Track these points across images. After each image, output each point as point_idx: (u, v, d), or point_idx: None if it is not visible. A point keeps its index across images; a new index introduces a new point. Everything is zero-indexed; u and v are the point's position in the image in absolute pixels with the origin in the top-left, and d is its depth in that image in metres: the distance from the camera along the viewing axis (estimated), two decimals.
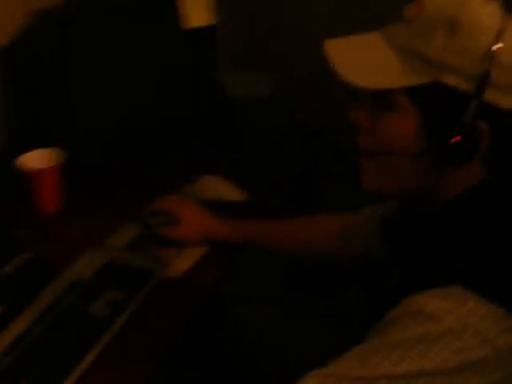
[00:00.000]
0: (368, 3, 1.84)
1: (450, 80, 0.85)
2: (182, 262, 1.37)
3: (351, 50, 0.93)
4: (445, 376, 0.77)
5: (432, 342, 0.78)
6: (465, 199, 0.91)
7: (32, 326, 1.15)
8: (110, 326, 1.17)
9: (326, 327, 1.42)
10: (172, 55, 1.70)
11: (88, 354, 1.10)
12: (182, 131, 1.77)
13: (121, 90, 1.65)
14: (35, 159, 1.49)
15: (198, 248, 1.43)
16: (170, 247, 1.40)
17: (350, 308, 1.48)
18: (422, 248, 0.92)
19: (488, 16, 0.85)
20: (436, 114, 0.87)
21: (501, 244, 0.85)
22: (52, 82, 1.57)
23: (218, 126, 1.84)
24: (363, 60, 0.92)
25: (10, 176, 1.47)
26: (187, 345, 1.37)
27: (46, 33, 1.54)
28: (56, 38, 1.51)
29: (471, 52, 0.84)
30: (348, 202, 1.36)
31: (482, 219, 0.87)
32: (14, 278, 1.27)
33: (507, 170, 0.91)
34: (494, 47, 0.83)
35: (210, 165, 1.72)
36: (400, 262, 0.97)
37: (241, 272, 1.57)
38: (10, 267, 1.30)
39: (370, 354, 0.82)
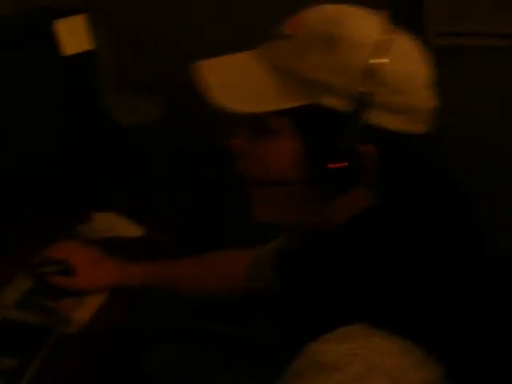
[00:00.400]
0: (256, 26, 1.79)
1: (328, 101, 0.77)
2: (82, 314, 1.27)
3: (224, 72, 0.85)
4: None
5: None
6: (350, 228, 0.83)
7: None
8: None
9: (236, 364, 1.37)
10: (52, 84, 1.58)
11: None
12: (69, 165, 1.66)
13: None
14: None
15: (96, 296, 1.33)
16: (66, 299, 1.29)
17: (260, 339, 1.43)
18: (316, 282, 0.84)
19: (367, 31, 0.78)
20: (316, 139, 0.79)
21: (394, 273, 0.77)
22: None
23: (106, 154, 1.73)
24: (237, 82, 0.84)
25: None
26: None
27: None
28: None
29: (349, 70, 0.77)
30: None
31: (371, 248, 0.80)
32: None
33: (396, 194, 0.83)
34: (373, 63, 0.76)
35: (101, 200, 1.63)
36: (295, 298, 0.91)
37: (147, 306, 1.50)
38: None
39: None
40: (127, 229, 1.55)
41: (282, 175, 0.82)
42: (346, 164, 0.78)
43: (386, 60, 0.76)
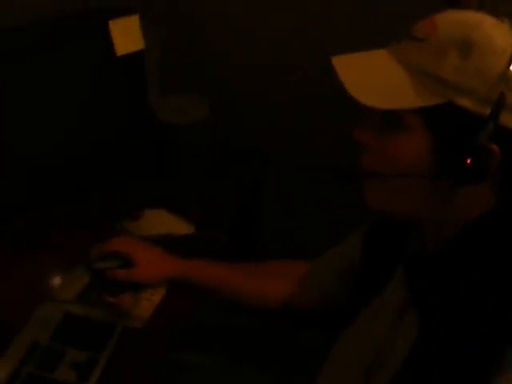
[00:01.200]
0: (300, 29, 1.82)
1: (465, 102, 0.81)
2: (143, 309, 1.29)
3: (361, 68, 0.89)
4: None
5: None
6: (487, 222, 0.87)
7: None
8: None
9: None
10: (103, 84, 1.60)
11: None
12: (117, 162, 1.67)
13: (51, 124, 1.54)
14: None
15: (155, 291, 1.35)
16: (125, 293, 1.31)
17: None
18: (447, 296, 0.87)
19: (502, 38, 0.83)
20: (448, 135, 0.83)
21: None
22: None
23: (153, 152, 1.74)
24: (374, 79, 0.88)
25: None
26: None
27: None
28: None
29: (486, 74, 0.81)
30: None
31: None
32: None
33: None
34: (510, 69, 0.80)
35: (149, 197, 1.64)
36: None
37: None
38: None
39: None
40: (178, 226, 1.56)
41: (407, 168, 0.86)
42: (476, 161, 0.81)
43: None
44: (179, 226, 1.57)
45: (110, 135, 1.67)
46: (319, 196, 1.92)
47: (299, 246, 1.64)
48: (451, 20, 0.85)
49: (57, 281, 1.38)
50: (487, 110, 0.81)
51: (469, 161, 0.81)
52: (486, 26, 0.83)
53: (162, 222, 1.57)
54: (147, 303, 1.31)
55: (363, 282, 1.12)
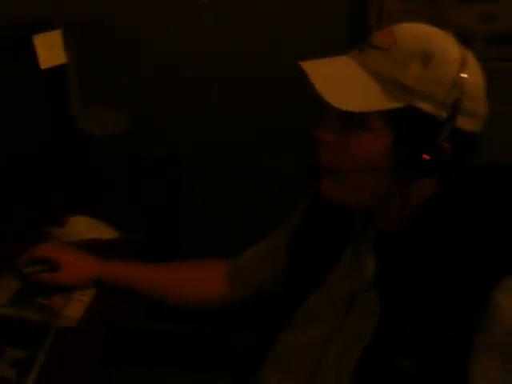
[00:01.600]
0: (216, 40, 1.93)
1: (425, 106, 0.92)
2: (74, 309, 1.36)
3: (331, 74, 0.96)
4: None
5: None
6: (433, 206, 1.00)
7: None
8: None
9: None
10: (27, 95, 1.67)
11: None
12: (41, 173, 1.73)
13: None
14: None
15: (85, 291, 1.41)
16: (55, 295, 1.37)
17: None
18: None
19: (453, 49, 0.95)
20: (408, 136, 0.94)
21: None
22: None
23: (75, 164, 1.82)
24: (344, 84, 0.95)
25: None
26: None
27: None
28: None
29: (442, 82, 0.93)
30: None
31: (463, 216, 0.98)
32: None
33: (459, 182, 1.02)
34: (462, 76, 0.93)
35: (74, 205, 1.71)
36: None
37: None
38: None
39: None
40: (102, 231, 1.64)
41: (366, 164, 0.96)
42: (433, 158, 0.94)
43: (466, 74, 0.93)
44: (103, 231, 1.64)
45: (34, 146, 1.73)
46: (233, 195, 2.04)
47: (217, 245, 1.75)
48: (410, 32, 0.96)
49: None
50: (444, 114, 0.93)
51: (428, 158, 0.94)
52: (440, 39, 0.96)
53: (87, 227, 1.64)
54: (78, 304, 1.37)
55: (297, 277, 1.17)
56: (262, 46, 1.90)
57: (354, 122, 0.96)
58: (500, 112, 1.08)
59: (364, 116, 0.94)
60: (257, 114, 1.95)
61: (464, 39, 1.78)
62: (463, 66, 0.94)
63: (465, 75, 0.94)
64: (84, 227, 1.64)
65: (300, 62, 0.96)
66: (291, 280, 1.19)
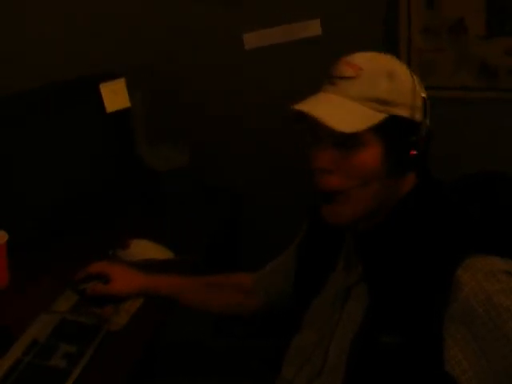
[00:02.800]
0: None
1: (401, 112, 1.11)
2: (121, 317, 1.58)
3: (323, 106, 1.11)
4: None
5: None
6: (413, 200, 1.17)
7: None
8: (69, 375, 1.36)
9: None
10: (97, 137, 1.95)
11: None
12: (112, 204, 2.00)
13: (55, 172, 1.88)
14: None
15: (132, 303, 1.62)
16: (107, 305, 1.57)
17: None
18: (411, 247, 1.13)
19: (401, 65, 1.17)
20: (395, 140, 1.11)
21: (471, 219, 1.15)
22: None
23: (142, 195, 2.07)
24: (336, 111, 1.10)
25: None
26: None
27: None
28: None
29: (407, 90, 1.13)
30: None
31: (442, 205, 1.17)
32: None
33: (429, 174, 1.20)
34: (415, 83, 1.15)
35: (139, 230, 1.95)
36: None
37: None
38: None
39: None
40: (159, 252, 1.86)
41: (371, 176, 1.12)
42: (417, 153, 1.13)
43: (415, 81, 1.16)
44: (160, 253, 1.86)
45: (105, 181, 2.00)
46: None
47: None
48: (365, 59, 1.14)
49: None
50: (418, 115, 1.13)
51: (415, 153, 1.13)
52: (388, 58, 1.17)
53: (146, 249, 1.86)
54: (125, 313, 1.59)
55: (303, 283, 1.36)
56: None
57: (349, 142, 1.11)
58: None
59: (359, 135, 1.10)
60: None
61: (490, 72, 1.91)
62: (412, 76, 1.16)
63: (415, 82, 1.15)
64: (144, 249, 1.86)
65: (294, 106, 1.13)
66: (298, 287, 1.38)
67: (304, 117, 1.13)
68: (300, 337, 1.33)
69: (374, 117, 1.10)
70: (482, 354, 1.01)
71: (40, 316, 1.57)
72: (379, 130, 1.10)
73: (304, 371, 1.28)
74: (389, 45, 1.98)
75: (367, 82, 1.12)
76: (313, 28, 1.95)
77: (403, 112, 1.12)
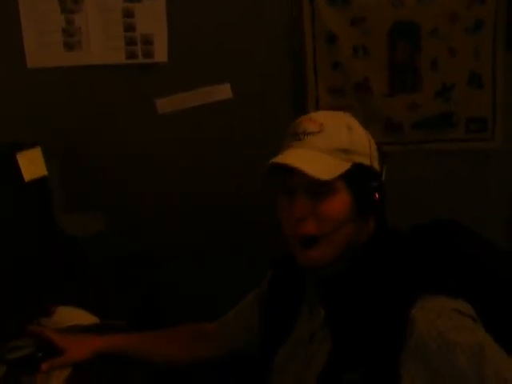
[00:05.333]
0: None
1: (362, 160, 1.23)
2: None
3: (300, 159, 1.20)
4: None
5: None
6: (372, 246, 1.27)
7: None
8: None
9: None
10: (16, 207, 1.93)
11: None
12: (31, 273, 1.97)
13: None
14: None
15: (62, 371, 1.56)
16: (38, 374, 1.51)
17: None
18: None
19: (353, 118, 1.30)
20: (360, 187, 1.23)
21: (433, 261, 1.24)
22: None
23: (63, 262, 2.06)
24: (312, 163, 1.19)
25: None
26: None
27: None
28: None
29: (363, 139, 1.26)
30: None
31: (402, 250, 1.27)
32: None
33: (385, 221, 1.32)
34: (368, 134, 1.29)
35: (61, 297, 1.93)
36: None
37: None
38: None
39: None
40: (84, 318, 1.84)
41: (343, 220, 1.22)
42: (379, 196, 1.24)
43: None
44: (85, 318, 1.84)
45: (24, 249, 1.97)
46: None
47: None
48: (324, 116, 1.27)
49: None
50: (376, 163, 1.26)
51: (377, 197, 1.24)
52: (346, 114, 1.30)
53: (71, 315, 1.83)
54: (55, 379, 1.54)
55: (269, 334, 1.43)
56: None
57: (322, 190, 1.21)
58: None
59: (331, 182, 1.20)
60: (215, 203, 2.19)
61: (395, 127, 2.08)
62: (363, 128, 1.29)
63: (368, 134, 1.29)
64: (68, 315, 1.83)
65: (273, 160, 1.23)
66: (264, 337, 1.45)
67: (272, 171, 1.24)
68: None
69: (342, 165, 1.22)
70: None
71: None
72: (346, 177, 1.22)
73: None
74: (297, 104, 2.11)
75: (330, 135, 1.24)
76: (223, 92, 2.07)
77: (364, 160, 1.24)
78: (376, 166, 1.27)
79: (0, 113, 2.22)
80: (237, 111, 2.04)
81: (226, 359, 1.64)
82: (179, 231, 2.33)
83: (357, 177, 1.23)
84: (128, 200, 2.32)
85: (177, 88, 2.07)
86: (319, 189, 1.22)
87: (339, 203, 1.23)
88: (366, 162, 1.25)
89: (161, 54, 2.15)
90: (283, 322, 1.39)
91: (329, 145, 1.23)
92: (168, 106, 2.06)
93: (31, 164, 1.91)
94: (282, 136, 1.30)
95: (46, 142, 2.00)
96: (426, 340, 1.09)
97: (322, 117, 1.27)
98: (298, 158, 1.22)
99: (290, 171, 1.20)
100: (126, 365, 1.62)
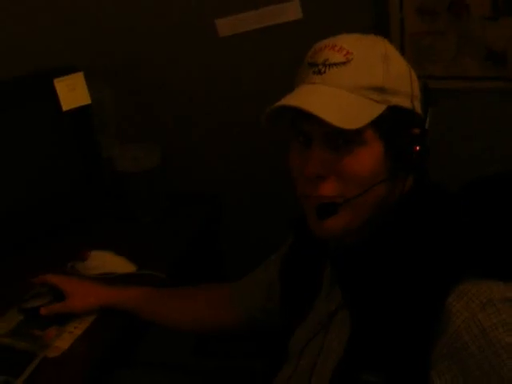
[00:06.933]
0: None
1: (400, 101, 0.95)
2: (63, 341, 1.39)
3: (318, 100, 0.93)
4: None
5: None
6: (409, 206, 0.98)
7: None
8: None
9: None
10: (54, 136, 1.77)
11: None
12: (73, 209, 1.82)
13: (8, 177, 1.71)
14: None
15: (80, 324, 1.45)
16: (51, 327, 1.42)
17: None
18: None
19: (392, 47, 0.99)
20: (396, 135, 0.95)
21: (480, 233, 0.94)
22: None
23: (108, 200, 1.89)
24: (334, 106, 0.92)
25: None
26: None
27: None
28: None
29: (403, 75, 0.97)
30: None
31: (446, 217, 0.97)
32: None
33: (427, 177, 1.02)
34: (410, 68, 0.99)
35: (102, 239, 1.79)
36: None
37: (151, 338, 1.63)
38: None
39: None
40: (120, 265, 1.68)
41: (372, 180, 0.94)
42: (421, 149, 0.95)
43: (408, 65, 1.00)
44: (122, 265, 1.68)
45: (65, 186, 1.83)
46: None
47: None
48: (357, 40, 0.97)
49: None
50: (417, 104, 0.98)
51: (418, 148, 0.95)
52: (381, 39, 1.00)
53: (105, 262, 1.68)
54: (68, 336, 1.41)
55: (289, 308, 1.21)
56: None
57: (347, 141, 0.94)
58: None
59: (359, 131, 0.92)
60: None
61: (497, 59, 1.67)
62: (404, 59, 0.99)
63: (409, 66, 0.99)
64: (103, 261, 1.68)
65: (280, 102, 0.94)
66: (284, 311, 1.23)
67: (283, 115, 0.97)
68: (286, 368, 1.18)
69: (373, 108, 0.94)
70: None
71: None
72: (379, 124, 0.93)
73: None
74: (378, 29, 1.75)
75: (360, 68, 0.94)
76: (292, 11, 1.75)
77: (403, 101, 0.96)
78: (418, 109, 0.98)
79: (61, 36, 2.03)
80: (307, 34, 1.71)
81: (242, 333, 1.46)
82: (242, 169, 2.07)
83: (393, 124, 0.94)
84: (187, 133, 2.09)
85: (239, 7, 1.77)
86: (342, 139, 0.94)
87: (368, 159, 0.94)
88: (406, 103, 0.96)
89: None
90: (303, 297, 1.15)
91: (357, 81, 0.93)
92: (230, 27, 1.78)
93: (71, 91, 1.72)
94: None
95: (98, 68, 1.85)
96: (464, 339, 0.86)
97: (349, 42, 0.96)
98: (313, 98, 0.93)
99: (304, 116, 0.92)
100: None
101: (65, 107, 1.71)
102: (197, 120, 2.07)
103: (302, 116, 0.93)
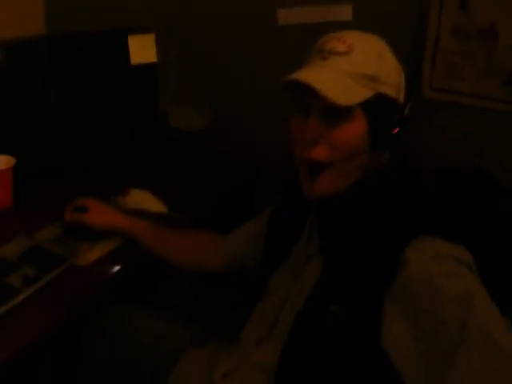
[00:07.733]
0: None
1: (388, 91, 1.17)
2: (92, 254, 1.65)
3: (321, 79, 1.14)
4: None
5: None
6: (382, 176, 1.21)
7: None
8: (18, 294, 1.44)
9: None
10: (119, 86, 2.04)
11: None
12: (126, 151, 2.08)
13: (75, 112, 1.99)
14: None
15: (108, 243, 1.70)
16: (84, 240, 1.68)
17: None
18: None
19: (386, 45, 1.21)
20: (379, 117, 1.17)
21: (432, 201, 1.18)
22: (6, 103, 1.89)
23: (159, 150, 2.15)
24: (333, 85, 1.13)
25: None
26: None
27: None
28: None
29: (394, 69, 1.19)
30: None
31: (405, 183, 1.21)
32: None
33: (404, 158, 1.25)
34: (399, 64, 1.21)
35: (145, 180, 2.03)
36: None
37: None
38: None
39: None
40: (154, 204, 1.92)
41: (356, 149, 1.17)
42: (399, 132, 1.19)
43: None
44: (155, 206, 1.92)
45: (123, 130, 2.11)
46: None
47: None
48: (358, 36, 1.19)
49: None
50: (401, 96, 1.20)
51: (396, 132, 1.18)
52: (379, 39, 1.22)
53: (142, 199, 1.92)
54: (97, 251, 1.66)
55: (271, 252, 1.42)
56: None
57: (339, 115, 1.15)
58: None
59: (349, 109, 1.14)
60: None
61: None
62: (395, 58, 1.21)
63: (399, 64, 1.21)
64: (140, 199, 1.91)
65: (293, 75, 1.16)
66: (268, 253, 1.44)
67: (291, 86, 1.17)
68: (262, 303, 1.40)
69: (364, 92, 1.15)
70: (418, 333, 1.05)
71: (18, 238, 1.66)
72: (367, 105, 1.15)
73: (256, 332, 1.36)
74: (415, 42, 1.93)
75: (358, 58, 1.16)
76: (345, 13, 1.95)
77: (389, 91, 1.17)
78: (401, 98, 1.20)
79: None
80: None
81: (228, 276, 1.65)
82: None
83: (378, 107, 1.16)
84: (238, 100, 2.27)
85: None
86: (335, 113, 1.15)
87: (354, 132, 1.16)
88: (392, 93, 1.18)
89: None
90: (285, 242, 1.38)
91: (354, 69, 1.15)
92: (289, 17, 1.99)
93: (141, 48, 1.97)
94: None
95: (168, 32, 2.05)
96: (415, 282, 1.05)
97: (353, 38, 1.18)
98: (317, 77, 1.15)
99: (307, 90, 1.14)
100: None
101: (133, 61, 1.96)
102: (249, 87, 2.25)
103: (305, 90, 1.14)
